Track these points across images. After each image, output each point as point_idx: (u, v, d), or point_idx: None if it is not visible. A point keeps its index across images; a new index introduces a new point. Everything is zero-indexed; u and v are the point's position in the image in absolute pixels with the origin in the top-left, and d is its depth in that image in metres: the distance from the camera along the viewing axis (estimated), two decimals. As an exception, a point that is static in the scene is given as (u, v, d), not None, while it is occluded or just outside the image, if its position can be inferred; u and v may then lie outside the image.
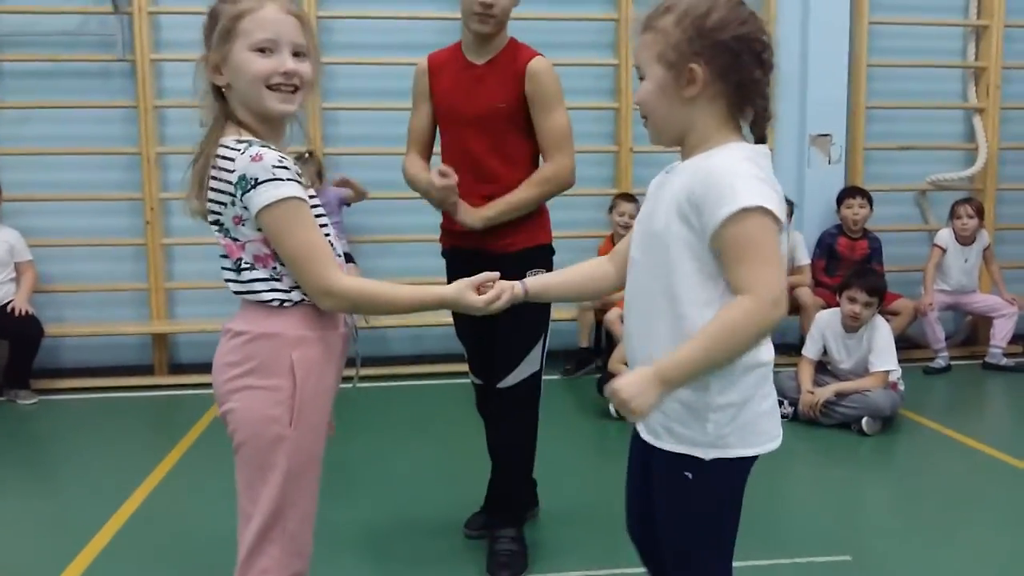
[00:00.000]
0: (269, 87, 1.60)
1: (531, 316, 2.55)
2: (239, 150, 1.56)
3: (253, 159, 1.53)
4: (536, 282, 1.77)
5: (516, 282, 1.73)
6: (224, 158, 1.57)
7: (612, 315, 4.77)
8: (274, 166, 1.53)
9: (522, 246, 2.61)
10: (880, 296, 4.20)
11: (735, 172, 1.41)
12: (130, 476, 3.49)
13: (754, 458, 1.54)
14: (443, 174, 2.49)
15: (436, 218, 2.76)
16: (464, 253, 2.63)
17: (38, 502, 3.36)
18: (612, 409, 4.23)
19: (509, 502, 2.75)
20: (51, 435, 4.24)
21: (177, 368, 5.27)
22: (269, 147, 1.57)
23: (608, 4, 5.51)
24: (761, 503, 3.17)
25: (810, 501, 3.30)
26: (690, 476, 1.51)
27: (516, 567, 2.63)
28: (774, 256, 1.41)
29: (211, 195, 1.60)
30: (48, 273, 5.12)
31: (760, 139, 1.52)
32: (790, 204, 5.22)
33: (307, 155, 4.83)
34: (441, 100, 2.66)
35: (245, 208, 1.55)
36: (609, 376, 4.33)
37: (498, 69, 2.58)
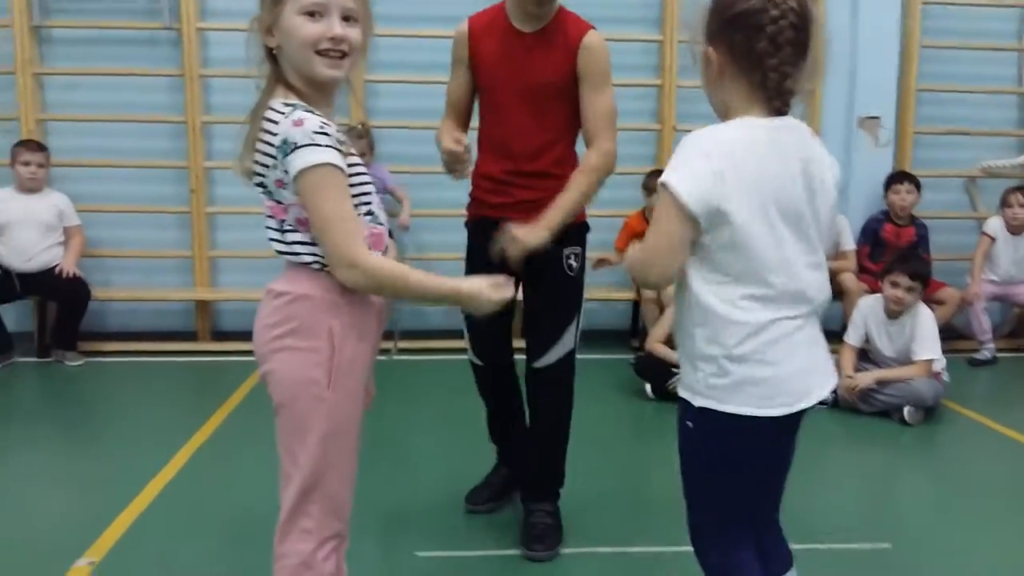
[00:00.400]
0: (318, 52, 1.60)
1: (566, 295, 2.60)
2: (284, 113, 1.56)
3: (295, 124, 1.53)
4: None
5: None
6: (270, 120, 1.58)
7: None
8: (314, 131, 1.53)
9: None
10: (924, 281, 4.13)
11: (684, 145, 1.55)
12: (172, 439, 3.55)
13: (751, 423, 1.59)
14: (457, 140, 2.48)
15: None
16: (495, 225, 2.47)
17: (82, 462, 3.43)
18: (648, 389, 4.21)
19: (546, 477, 2.76)
20: (96, 396, 4.33)
21: (220, 335, 5.35)
22: (313, 112, 1.57)
23: (656, -20, 5.44)
24: (799, 488, 3.15)
25: (850, 488, 3.27)
26: (690, 425, 1.66)
27: (551, 540, 2.64)
28: (663, 227, 1.56)
29: (257, 157, 1.60)
30: (95, 238, 5.21)
31: (779, 111, 1.57)
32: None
33: (360, 126, 4.84)
34: (485, 68, 2.57)
35: (286, 171, 1.55)
36: (648, 357, 4.31)
37: (549, 40, 2.49)
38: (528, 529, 2.66)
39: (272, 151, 1.56)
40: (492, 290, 1.68)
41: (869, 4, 5.42)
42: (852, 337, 4.25)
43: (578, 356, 2.71)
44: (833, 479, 3.33)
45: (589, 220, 2.69)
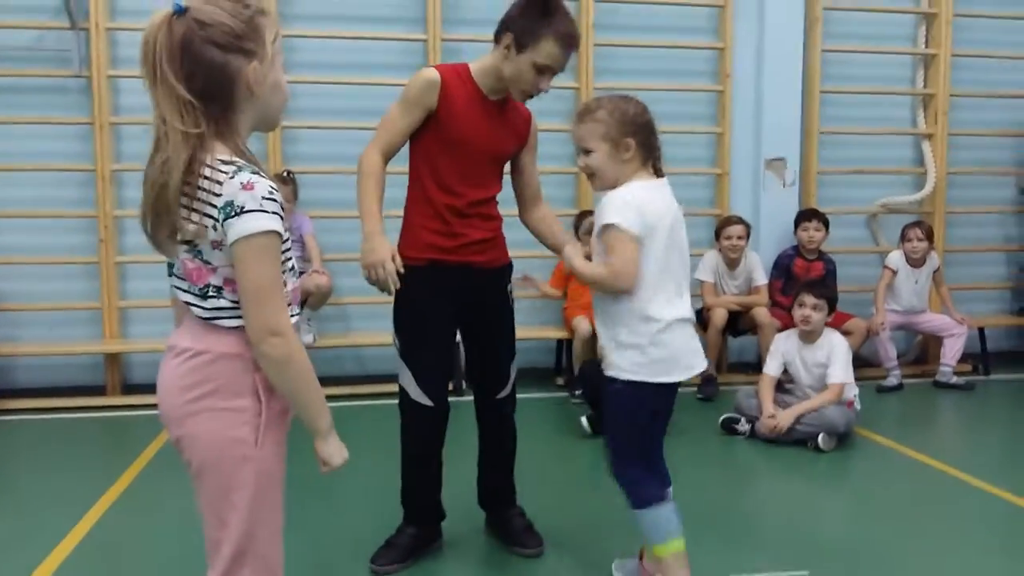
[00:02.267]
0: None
1: (511, 326, 2.96)
2: (228, 174, 1.49)
3: (244, 187, 1.48)
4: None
5: None
6: (210, 180, 1.49)
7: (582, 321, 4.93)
8: (264, 197, 1.49)
9: (504, 262, 2.89)
10: (828, 300, 4.28)
11: (612, 198, 2.35)
12: (83, 498, 3.41)
13: (652, 385, 2.40)
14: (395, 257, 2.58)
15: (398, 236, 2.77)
16: (450, 268, 2.72)
17: (-14, 525, 3.26)
18: (584, 422, 4.25)
19: (512, 486, 3.07)
20: (3, 456, 4.13)
21: (130, 388, 5.18)
22: (260, 174, 1.52)
23: None
24: (721, 519, 3.22)
25: (768, 517, 3.33)
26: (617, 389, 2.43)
27: (538, 537, 2.96)
28: (622, 250, 2.32)
29: (188, 215, 1.51)
30: (0, 291, 5.02)
31: (659, 174, 2.46)
32: (747, 225, 5.32)
33: (285, 175, 4.80)
34: (457, 126, 2.67)
35: (225, 233, 1.49)
36: (588, 370, 4.38)
37: (509, 111, 2.77)
38: (517, 531, 2.96)
39: (212, 211, 1.49)
40: (338, 448, 1.69)
41: (773, 53, 5.67)
42: (771, 367, 4.37)
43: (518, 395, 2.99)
44: (751, 508, 3.40)
45: (515, 259, 2.99)
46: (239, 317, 1.56)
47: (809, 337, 4.28)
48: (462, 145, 2.68)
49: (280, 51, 1.59)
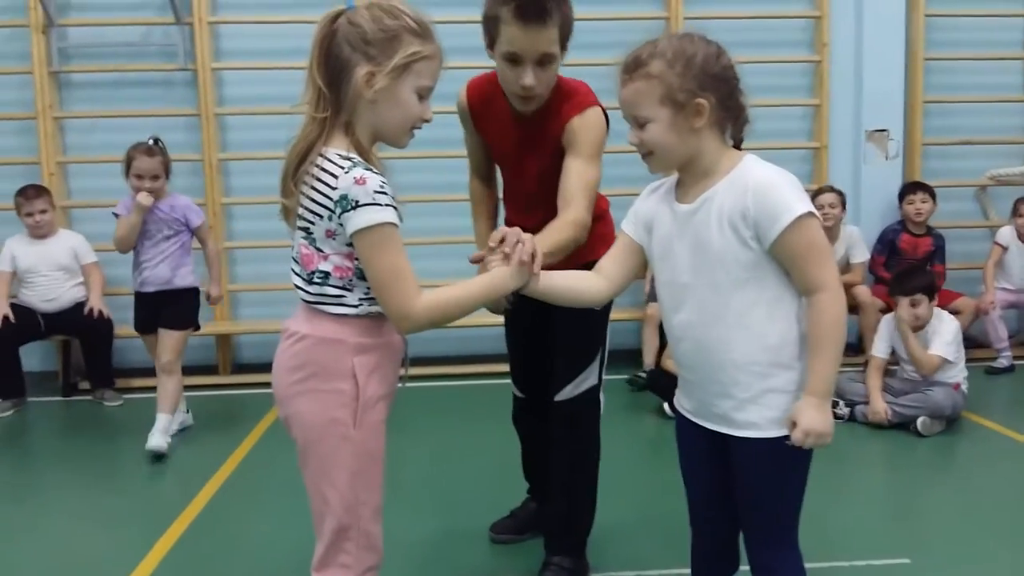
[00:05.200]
0: (412, 127, 1.71)
1: (590, 325, 2.49)
2: (344, 168, 1.60)
3: (357, 181, 1.57)
4: (546, 276, 1.80)
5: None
6: (327, 172, 1.61)
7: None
8: (375, 191, 1.58)
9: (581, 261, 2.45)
10: (926, 290, 4.12)
11: (779, 184, 1.64)
12: (199, 474, 3.62)
13: None
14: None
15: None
16: None
17: (111, 499, 3.48)
18: (667, 407, 4.24)
19: (566, 528, 2.57)
20: (121, 433, 4.39)
21: (240, 367, 5.43)
22: (372, 170, 1.62)
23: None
24: (818, 505, 3.16)
25: (868, 503, 3.27)
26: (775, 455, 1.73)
27: None
28: (829, 251, 1.68)
29: (305, 202, 1.64)
30: (114, 276, 5.30)
31: (739, 145, 1.76)
32: (840, 193, 5.16)
33: (152, 142, 4.14)
34: (491, 145, 2.53)
35: (341, 225, 1.60)
36: (660, 372, 4.36)
37: (541, 125, 2.34)
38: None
39: (328, 203, 1.60)
40: (512, 278, 1.71)
41: (873, 19, 5.46)
42: (880, 350, 4.26)
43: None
44: (851, 494, 3.34)
45: (611, 198, 2.63)
46: (342, 304, 1.66)
47: (919, 328, 4.14)
48: (500, 163, 2.56)
49: (419, 74, 1.66)
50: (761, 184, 1.63)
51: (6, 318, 4.71)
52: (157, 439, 3.85)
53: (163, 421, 3.95)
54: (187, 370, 5.27)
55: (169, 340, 4.09)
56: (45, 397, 4.98)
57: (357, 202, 1.58)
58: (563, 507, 2.57)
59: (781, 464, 1.72)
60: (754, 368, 1.69)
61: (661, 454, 3.90)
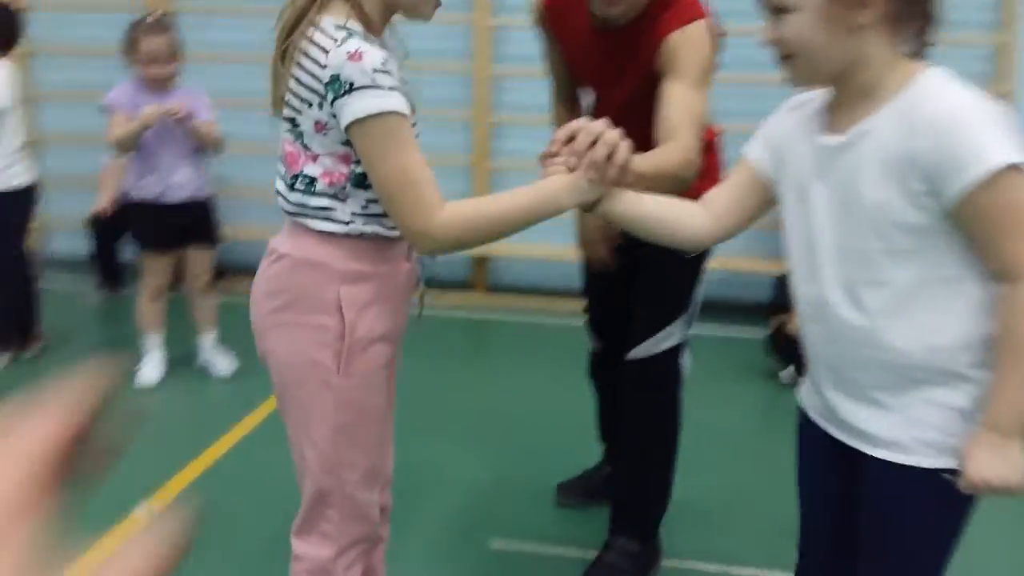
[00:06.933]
0: None
1: (681, 273, 2.14)
2: (336, 40, 1.24)
3: (350, 56, 1.23)
4: (632, 199, 1.38)
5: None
6: (316, 45, 1.26)
7: None
8: (375, 70, 1.23)
9: None
10: None
11: (972, 116, 1.15)
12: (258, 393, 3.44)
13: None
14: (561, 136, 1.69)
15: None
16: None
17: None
18: (789, 373, 3.71)
19: (633, 506, 2.28)
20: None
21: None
22: (371, 44, 1.27)
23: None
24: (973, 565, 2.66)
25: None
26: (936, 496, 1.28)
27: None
28: None
29: (292, 85, 1.30)
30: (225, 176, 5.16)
31: (919, 54, 1.24)
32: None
33: (161, 18, 3.44)
34: (569, 64, 2.13)
35: (334, 116, 1.26)
36: (781, 335, 3.75)
37: (636, 39, 1.91)
38: (593, 566, 2.23)
39: (317, 86, 1.26)
40: (570, 191, 1.32)
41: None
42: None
43: (700, 333, 2.31)
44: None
45: (726, 127, 2.20)
46: (328, 219, 1.33)
47: None
48: (582, 86, 2.15)
49: None
50: (945, 115, 1.15)
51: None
52: (223, 363, 3.52)
53: (213, 341, 3.59)
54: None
55: (207, 259, 3.57)
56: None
57: (351, 84, 1.22)
58: (633, 484, 2.27)
59: (929, 504, 1.28)
60: (911, 373, 1.24)
61: (772, 429, 3.42)
